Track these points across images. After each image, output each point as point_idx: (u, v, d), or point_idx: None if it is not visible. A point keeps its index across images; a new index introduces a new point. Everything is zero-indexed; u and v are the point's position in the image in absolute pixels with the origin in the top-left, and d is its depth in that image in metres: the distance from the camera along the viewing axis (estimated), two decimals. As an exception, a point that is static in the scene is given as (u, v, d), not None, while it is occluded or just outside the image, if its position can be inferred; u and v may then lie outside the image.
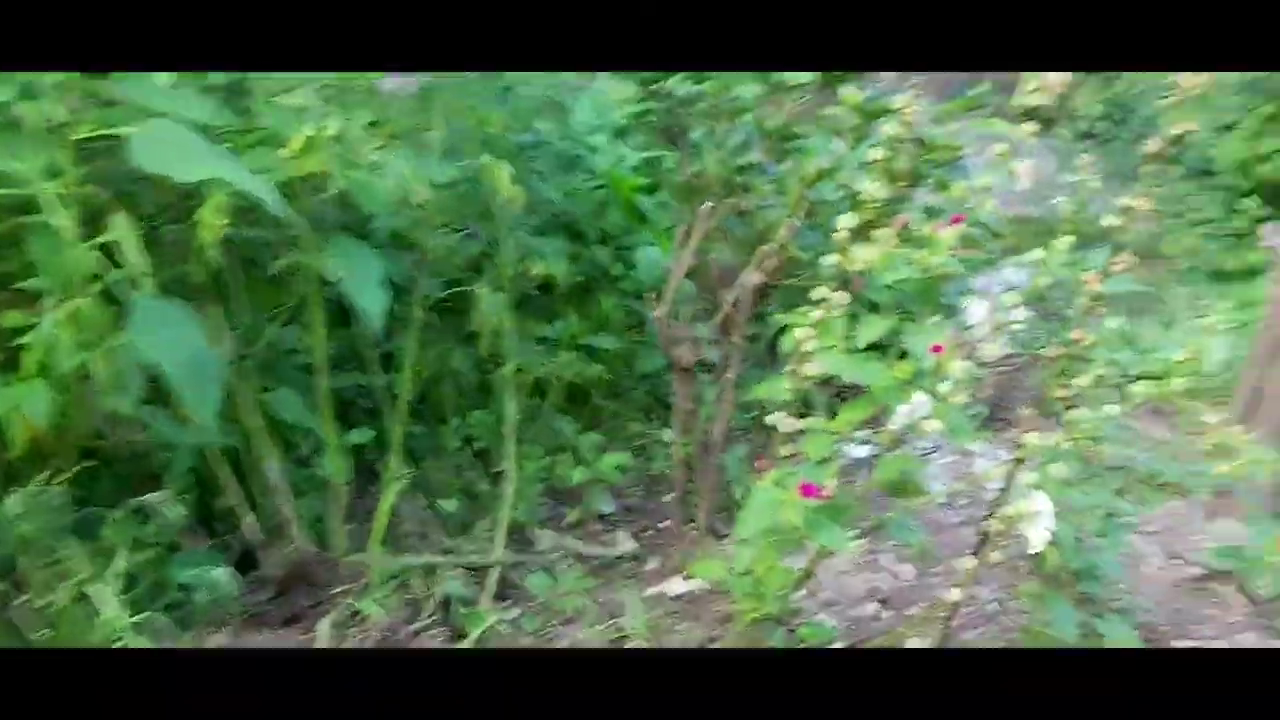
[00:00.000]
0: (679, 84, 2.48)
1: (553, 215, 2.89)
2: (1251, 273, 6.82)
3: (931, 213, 1.88)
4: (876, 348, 1.74)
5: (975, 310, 1.67)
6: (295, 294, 2.14)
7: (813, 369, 1.70)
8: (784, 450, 1.65)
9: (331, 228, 2.02)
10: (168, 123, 1.66)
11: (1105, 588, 1.98)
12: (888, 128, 1.70)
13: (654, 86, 2.51)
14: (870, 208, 1.64)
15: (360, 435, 2.44)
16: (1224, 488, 2.36)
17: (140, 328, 1.68)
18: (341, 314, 2.27)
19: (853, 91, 2.20)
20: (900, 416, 1.62)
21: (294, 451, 2.33)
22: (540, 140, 2.86)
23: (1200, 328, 5.83)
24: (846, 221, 1.65)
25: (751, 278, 2.10)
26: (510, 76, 2.60)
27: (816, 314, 1.70)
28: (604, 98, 3.17)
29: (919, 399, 1.61)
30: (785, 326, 1.79)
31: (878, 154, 1.70)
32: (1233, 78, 7.33)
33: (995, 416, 3.67)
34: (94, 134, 1.70)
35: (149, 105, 1.70)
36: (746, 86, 2.34)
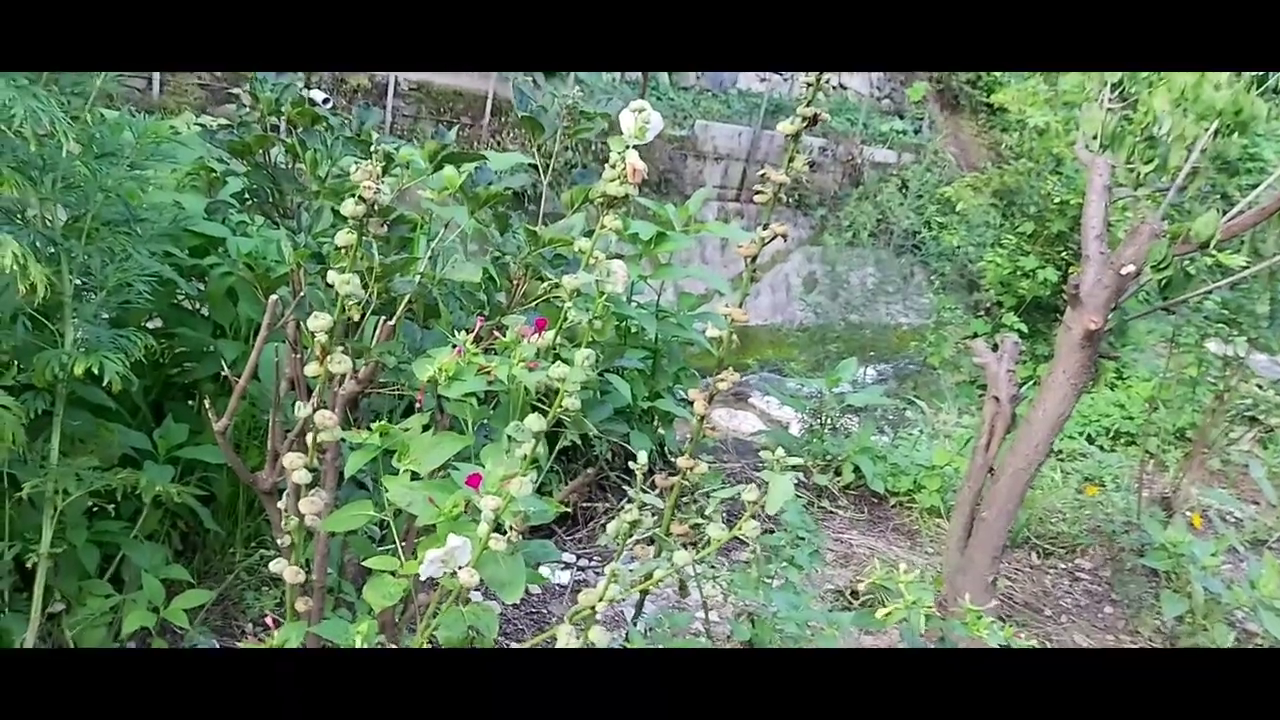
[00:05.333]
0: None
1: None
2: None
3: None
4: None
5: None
6: None
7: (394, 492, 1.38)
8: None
9: None
10: None
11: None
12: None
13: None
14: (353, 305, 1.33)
15: None
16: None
17: None
18: None
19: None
20: (430, 565, 1.22)
21: None
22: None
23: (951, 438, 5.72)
24: (319, 324, 1.31)
25: (347, 387, 1.64)
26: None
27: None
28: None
29: (454, 542, 1.22)
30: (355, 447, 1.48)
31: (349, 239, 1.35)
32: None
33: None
34: None
35: None
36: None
